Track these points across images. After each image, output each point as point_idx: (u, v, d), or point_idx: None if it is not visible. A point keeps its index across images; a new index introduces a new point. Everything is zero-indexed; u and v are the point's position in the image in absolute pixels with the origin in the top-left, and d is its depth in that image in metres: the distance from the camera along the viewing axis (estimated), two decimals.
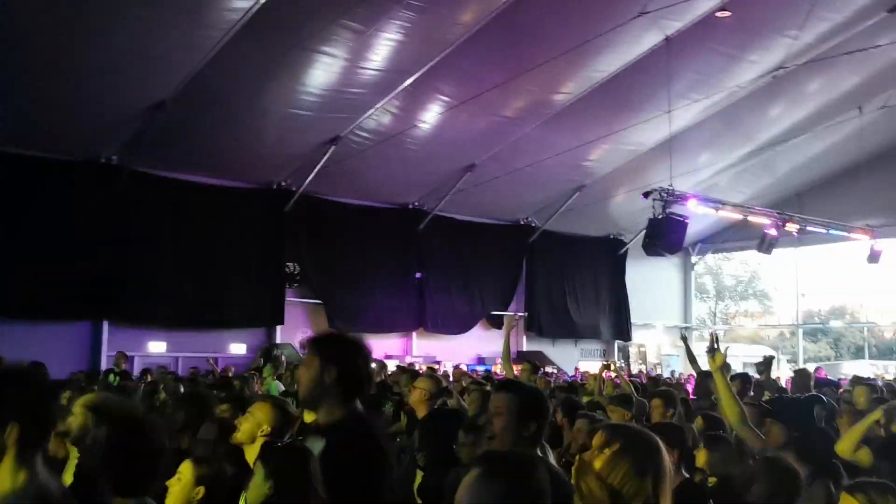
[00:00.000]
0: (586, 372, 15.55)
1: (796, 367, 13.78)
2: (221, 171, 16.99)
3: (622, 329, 24.75)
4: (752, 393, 9.22)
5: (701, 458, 4.89)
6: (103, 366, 15.08)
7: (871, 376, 25.12)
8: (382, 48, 13.81)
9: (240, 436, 4.04)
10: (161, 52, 12.68)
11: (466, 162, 18.44)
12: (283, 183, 17.79)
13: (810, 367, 26.85)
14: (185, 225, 16.67)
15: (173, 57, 12.89)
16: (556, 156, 17.72)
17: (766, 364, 8.82)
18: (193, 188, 16.83)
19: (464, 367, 17.33)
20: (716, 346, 5.13)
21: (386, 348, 19.67)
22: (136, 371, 14.57)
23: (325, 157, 16.57)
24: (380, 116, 15.93)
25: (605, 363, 9.64)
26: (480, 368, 18.22)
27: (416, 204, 20.06)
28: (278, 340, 18.16)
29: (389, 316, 19.87)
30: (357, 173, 17.48)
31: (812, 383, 10.67)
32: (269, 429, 4.01)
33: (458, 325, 21.30)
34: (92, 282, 15.55)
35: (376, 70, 14.31)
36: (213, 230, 17.08)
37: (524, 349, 22.59)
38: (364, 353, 3.20)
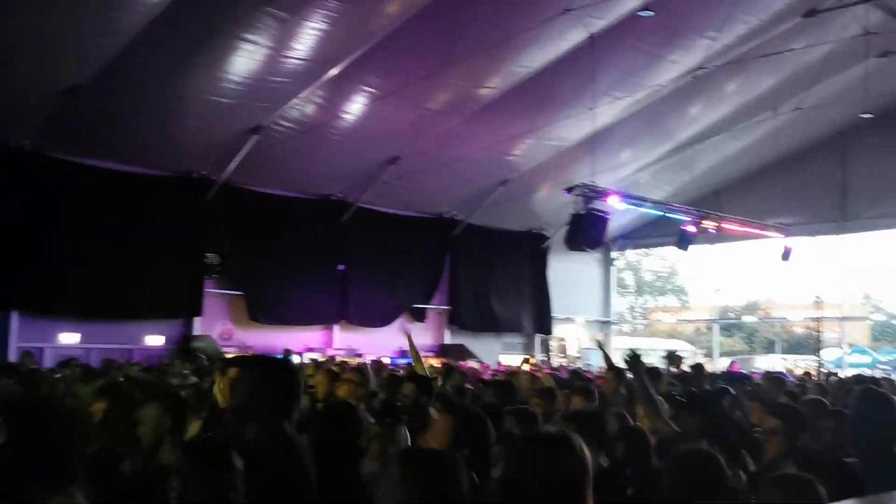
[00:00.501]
0: (508, 366, 15.65)
1: (693, 363, 14.19)
2: (139, 159, 16.54)
3: (543, 323, 24.99)
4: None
5: (619, 448, 5.02)
6: (12, 358, 14.53)
7: (783, 370, 25.92)
8: (307, 37, 13.64)
9: (144, 442, 3.96)
10: (76, 35, 12.28)
11: (391, 154, 18.36)
12: (204, 172, 17.42)
13: (725, 361, 27.64)
14: (100, 213, 16.16)
15: (89, 40, 12.49)
16: (481, 150, 17.79)
17: (671, 358, 9.02)
18: (110, 175, 16.34)
19: (386, 361, 17.28)
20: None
21: (307, 341, 19.49)
22: (48, 363, 14.12)
23: (248, 147, 16.30)
24: (303, 106, 15.74)
25: (525, 357, 9.73)
26: (402, 361, 18.16)
27: (340, 195, 19.88)
28: (197, 332, 17.81)
29: (311, 308, 19.67)
30: (280, 163, 17.24)
31: (703, 377, 11.03)
32: (169, 424, 3.95)
33: (381, 318, 21.21)
34: (0, 270, 15.01)
35: (300, 59, 14.12)
36: (130, 219, 16.59)
37: (447, 342, 22.66)
38: (294, 376, 3.18)
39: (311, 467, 3.12)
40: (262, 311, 18.77)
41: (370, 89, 15.61)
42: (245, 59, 13.97)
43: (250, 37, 13.35)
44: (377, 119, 16.57)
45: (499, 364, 20.12)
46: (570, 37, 14.98)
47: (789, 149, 22.30)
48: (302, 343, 18.97)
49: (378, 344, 20.29)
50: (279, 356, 16.20)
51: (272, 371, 3.29)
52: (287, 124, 16.07)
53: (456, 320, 22.86)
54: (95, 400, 4.63)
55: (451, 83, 16.03)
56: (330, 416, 4.90)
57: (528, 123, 17.61)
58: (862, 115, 19.50)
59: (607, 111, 17.48)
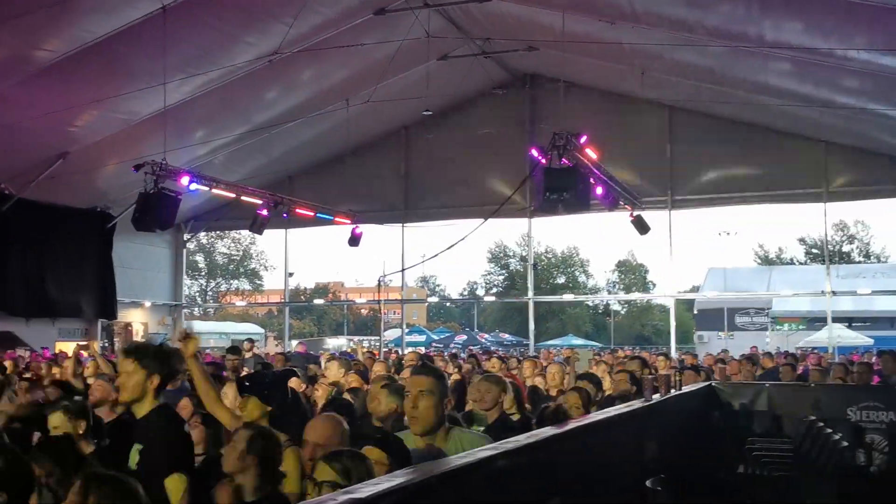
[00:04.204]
0: (61, 352, 14.44)
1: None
2: None
3: (107, 307, 23.47)
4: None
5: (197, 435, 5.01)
6: None
7: (347, 350, 27.18)
8: None
9: None
10: None
11: None
12: None
13: (294, 343, 28.32)
14: None
15: None
16: (37, 118, 16.10)
17: (248, 344, 8.97)
18: None
19: None
20: (190, 334, 5.33)
21: None
22: None
23: None
24: None
25: (80, 343, 9.03)
26: None
27: None
28: None
29: None
30: None
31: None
32: None
33: None
34: None
35: None
36: None
37: None
38: None
39: None
40: None
41: None
42: None
43: None
44: None
45: (45, 351, 18.54)
46: (141, 5, 14.11)
47: (360, 139, 23.33)
48: None
49: None
50: None
51: None
52: None
53: (3, 305, 20.54)
54: None
55: (1, 42, 14.28)
56: None
57: (94, 93, 16.32)
58: (424, 112, 21.03)
59: (181, 87, 16.83)
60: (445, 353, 19.95)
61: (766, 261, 53.94)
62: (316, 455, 3.84)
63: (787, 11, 13.47)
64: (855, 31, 12.97)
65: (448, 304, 63.16)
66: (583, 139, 15.92)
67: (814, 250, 50.21)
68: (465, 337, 40.90)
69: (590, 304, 57.73)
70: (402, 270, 24.72)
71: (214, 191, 18.82)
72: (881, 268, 44.95)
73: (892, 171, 20.55)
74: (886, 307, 35.45)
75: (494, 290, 55.99)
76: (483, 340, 38.49)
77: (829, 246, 22.84)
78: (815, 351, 23.84)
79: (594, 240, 72.98)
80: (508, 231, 52.19)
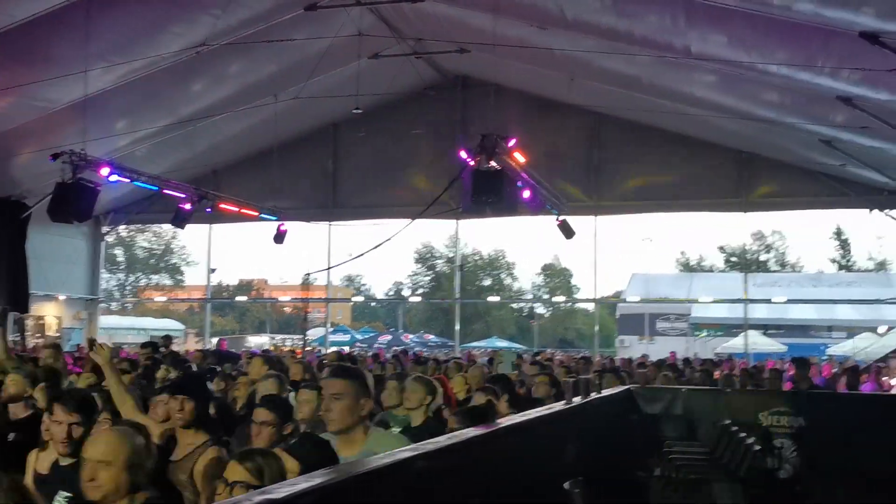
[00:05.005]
0: None
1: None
2: None
3: (19, 299, 22.71)
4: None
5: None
6: None
7: (270, 348, 26.89)
8: None
9: None
10: None
11: None
12: None
13: (214, 340, 27.86)
14: None
15: None
16: None
17: (166, 340, 8.81)
18: None
19: None
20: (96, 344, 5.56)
21: None
22: None
23: None
24: None
25: None
26: None
27: None
28: None
29: None
30: None
31: None
32: None
33: None
34: None
35: None
36: None
37: None
38: None
39: None
40: None
41: None
42: None
43: None
44: None
45: None
46: None
47: (288, 135, 23.07)
48: None
49: None
50: None
51: None
52: None
53: None
54: None
55: None
56: None
57: (10, 79, 15.77)
58: (354, 111, 20.90)
59: (103, 76, 16.40)
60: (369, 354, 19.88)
61: (688, 267, 55.09)
62: (97, 474, 3.42)
63: (712, 25, 13.75)
64: (776, 47, 13.31)
65: (373, 303, 62.87)
66: (511, 142, 16.03)
67: (733, 258, 51.44)
68: (389, 337, 40.75)
69: (514, 306, 58.17)
70: (328, 269, 24.52)
71: (136, 183, 18.41)
72: (796, 277, 46.36)
73: (808, 183, 21.20)
74: (800, 315, 36.59)
75: (420, 290, 55.95)
76: (408, 341, 38.41)
77: (747, 255, 23.41)
78: (733, 357, 24.44)
79: (520, 243, 73.43)
80: (436, 232, 52.24)
